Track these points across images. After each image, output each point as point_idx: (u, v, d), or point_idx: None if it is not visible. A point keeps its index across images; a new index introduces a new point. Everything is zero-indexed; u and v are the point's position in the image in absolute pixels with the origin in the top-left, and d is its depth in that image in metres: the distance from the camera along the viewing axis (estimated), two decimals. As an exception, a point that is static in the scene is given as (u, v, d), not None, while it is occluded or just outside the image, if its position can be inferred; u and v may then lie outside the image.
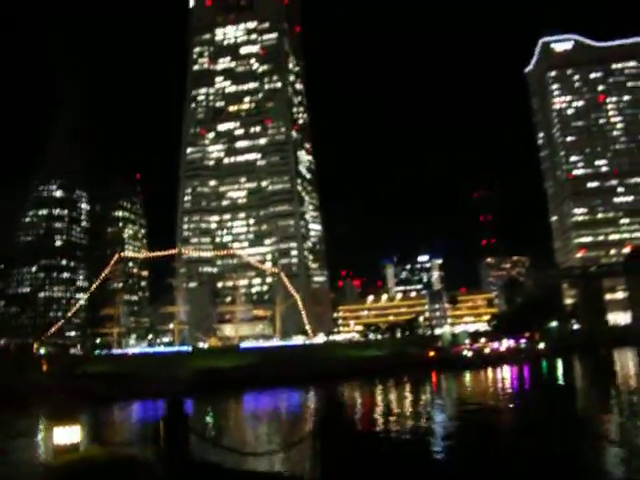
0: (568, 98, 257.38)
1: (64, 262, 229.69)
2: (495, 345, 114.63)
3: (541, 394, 58.48)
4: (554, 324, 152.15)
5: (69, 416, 9.73)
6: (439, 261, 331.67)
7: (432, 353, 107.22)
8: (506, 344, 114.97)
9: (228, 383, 77.91)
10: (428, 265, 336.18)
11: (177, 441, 10.24)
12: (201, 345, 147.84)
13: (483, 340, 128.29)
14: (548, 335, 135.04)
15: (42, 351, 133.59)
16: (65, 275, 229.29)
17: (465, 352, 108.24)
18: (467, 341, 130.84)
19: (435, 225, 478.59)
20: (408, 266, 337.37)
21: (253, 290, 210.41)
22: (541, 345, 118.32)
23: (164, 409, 11.03)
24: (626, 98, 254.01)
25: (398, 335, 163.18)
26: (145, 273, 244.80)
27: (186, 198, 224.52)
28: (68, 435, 9.62)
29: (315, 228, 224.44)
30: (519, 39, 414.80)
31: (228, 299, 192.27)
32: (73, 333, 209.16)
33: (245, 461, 20.79)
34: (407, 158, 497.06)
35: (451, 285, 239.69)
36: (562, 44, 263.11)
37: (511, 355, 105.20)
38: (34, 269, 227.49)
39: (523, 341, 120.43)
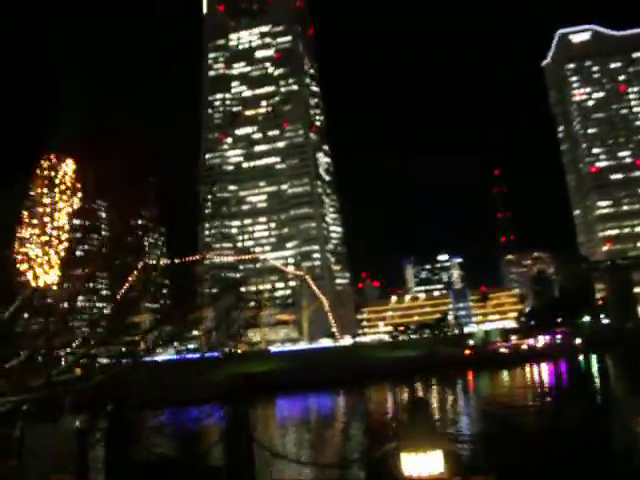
0: (588, 90, 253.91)
1: (87, 271, 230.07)
2: (531, 341, 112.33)
3: (579, 397, 55.33)
4: (586, 319, 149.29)
5: (427, 438, 5.96)
6: (459, 260, 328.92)
7: (468, 352, 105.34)
8: (542, 340, 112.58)
9: (260, 388, 76.62)
10: (448, 264, 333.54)
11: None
12: (228, 350, 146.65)
13: (514, 337, 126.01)
14: (581, 330, 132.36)
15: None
16: (88, 285, 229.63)
17: (501, 349, 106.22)
18: (498, 338, 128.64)
19: (454, 224, 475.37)
20: (427, 266, 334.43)
21: (276, 294, 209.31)
22: (577, 340, 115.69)
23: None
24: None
25: (426, 335, 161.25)
26: (166, 281, 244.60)
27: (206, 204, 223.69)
28: (426, 464, 6.12)
29: (336, 230, 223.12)
30: (535, 33, 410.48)
31: (252, 304, 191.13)
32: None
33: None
34: (423, 155, 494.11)
35: (471, 283, 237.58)
36: (580, 35, 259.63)
37: (548, 351, 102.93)
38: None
39: (559, 336, 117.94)
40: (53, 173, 12.88)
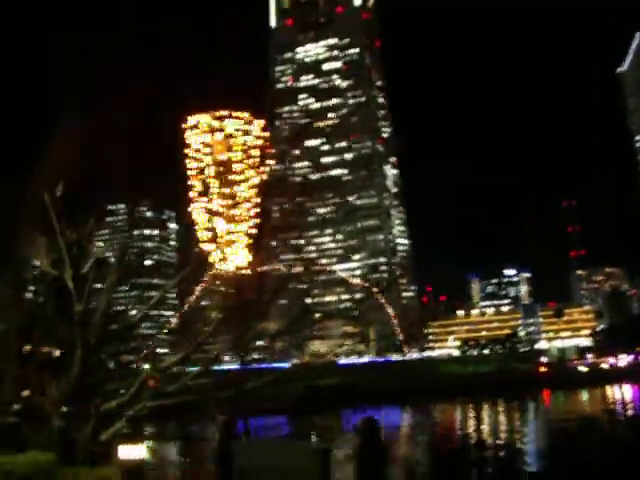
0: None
1: (155, 280, 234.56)
2: (611, 360, 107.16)
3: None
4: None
5: None
6: (527, 274, 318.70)
7: (543, 369, 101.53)
8: (626, 359, 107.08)
9: (328, 400, 75.58)
10: (515, 279, 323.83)
11: None
12: (296, 361, 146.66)
13: (590, 355, 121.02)
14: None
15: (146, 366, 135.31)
16: (156, 293, 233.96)
17: (580, 368, 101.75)
18: (574, 356, 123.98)
19: (521, 237, 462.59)
20: (494, 280, 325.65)
21: (342, 306, 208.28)
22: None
23: None
24: None
25: (497, 350, 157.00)
26: (232, 290, 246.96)
27: (273, 215, 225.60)
28: None
29: (403, 242, 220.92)
30: (608, 40, 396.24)
31: (317, 315, 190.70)
32: (165, 350, 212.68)
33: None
34: (491, 166, 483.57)
35: (540, 299, 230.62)
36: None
37: (631, 372, 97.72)
38: (127, 288, 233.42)
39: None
40: (244, 137, 11.29)
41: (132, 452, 10.51)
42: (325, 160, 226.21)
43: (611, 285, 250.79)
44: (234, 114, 10.73)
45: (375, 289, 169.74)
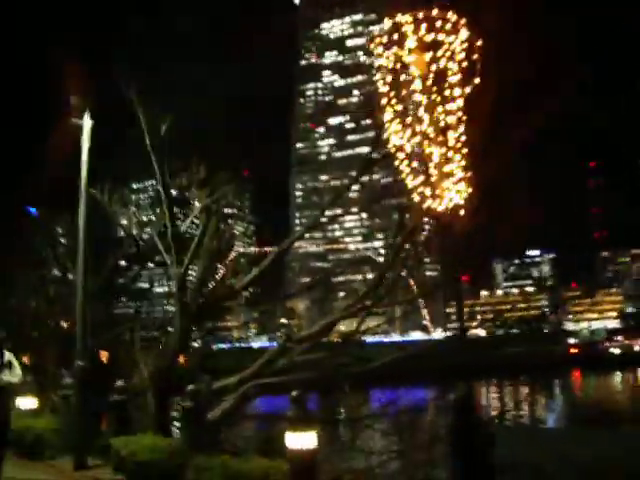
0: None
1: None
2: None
3: None
4: None
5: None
6: (551, 255, 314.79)
7: (574, 350, 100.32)
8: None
9: (353, 379, 74.78)
10: (538, 260, 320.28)
11: None
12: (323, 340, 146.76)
13: (620, 337, 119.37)
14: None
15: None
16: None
17: (612, 349, 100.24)
18: (604, 337, 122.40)
19: (545, 217, 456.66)
20: (516, 261, 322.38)
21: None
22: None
23: None
24: None
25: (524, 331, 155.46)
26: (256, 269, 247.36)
27: (297, 193, 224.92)
28: None
29: (427, 221, 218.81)
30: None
31: (342, 294, 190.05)
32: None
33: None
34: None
35: (563, 280, 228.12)
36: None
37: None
38: (151, 265, 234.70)
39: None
40: (453, 44, 9.14)
41: (301, 440, 8.30)
42: (350, 138, 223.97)
43: (637, 267, 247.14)
44: (437, 14, 8.64)
45: (399, 268, 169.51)
